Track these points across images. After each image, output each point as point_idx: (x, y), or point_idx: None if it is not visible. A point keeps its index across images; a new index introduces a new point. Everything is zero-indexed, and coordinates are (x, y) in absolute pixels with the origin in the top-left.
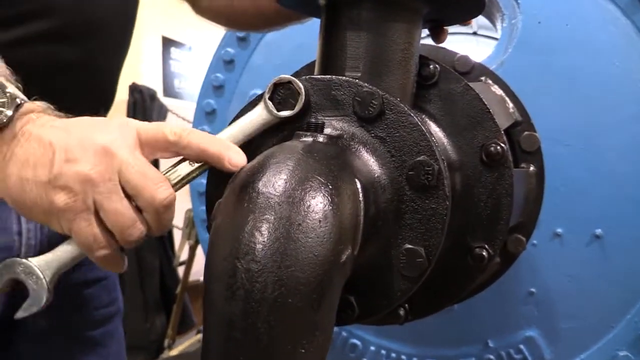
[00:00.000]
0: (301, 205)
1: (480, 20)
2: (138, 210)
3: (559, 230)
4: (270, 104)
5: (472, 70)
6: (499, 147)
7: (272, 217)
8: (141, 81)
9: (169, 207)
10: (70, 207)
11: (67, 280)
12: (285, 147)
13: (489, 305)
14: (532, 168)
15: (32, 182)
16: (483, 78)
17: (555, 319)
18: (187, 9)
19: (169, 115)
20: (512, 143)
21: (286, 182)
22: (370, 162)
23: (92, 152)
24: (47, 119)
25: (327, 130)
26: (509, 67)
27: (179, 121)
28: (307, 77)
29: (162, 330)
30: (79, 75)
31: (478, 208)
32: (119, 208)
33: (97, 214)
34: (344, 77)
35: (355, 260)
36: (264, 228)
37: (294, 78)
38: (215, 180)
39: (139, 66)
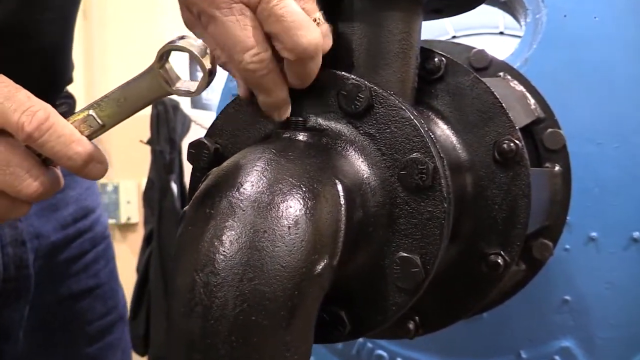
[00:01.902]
0: (268, 210)
1: (507, 19)
2: None
3: (594, 234)
4: (161, 72)
5: (490, 66)
6: (512, 144)
7: (235, 224)
8: None
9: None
10: None
11: (52, 297)
12: (258, 147)
13: (521, 314)
14: (557, 168)
15: None
16: (502, 74)
17: (592, 328)
18: None
19: (194, 126)
20: (535, 141)
21: (252, 185)
22: (357, 161)
23: None
24: None
25: (311, 128)
26: (533, 64)
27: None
28: None
29: None
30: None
31: (492, 211)
32: None
33: None
34: (329, 70)
35: (335, 270)
36: (225, 236)
37: (188, 41)
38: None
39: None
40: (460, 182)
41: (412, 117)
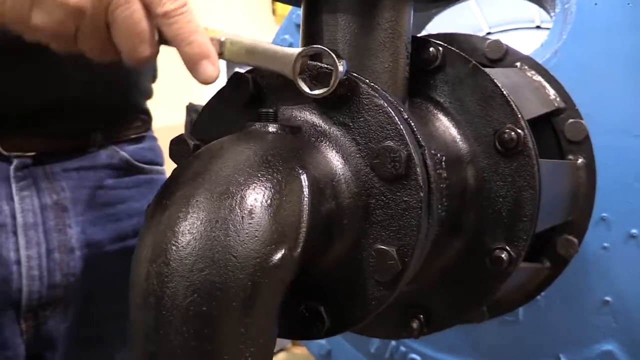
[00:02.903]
0: (221, 199)
1: (543, 12)
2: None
3: (634, 231)
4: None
5: (506, 56)
6: (513, 133)
7: (188, 214)
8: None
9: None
10: None
11: (104, 311)
12: (224, 139)
13: (559, 316)
14: (580, 160)
15: None
16: (518, 64)
17: (637, 330)
18: (251, 29)
19: None
20: (557, 133)
21: (209, 175)
22: (329, 152)
23: None
24: None
25: (287, 120)
26: (564, 55)
27: None
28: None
29: None
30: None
31: (497, 204)
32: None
33: None
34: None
35: (298, 263)
36: (178, 227)
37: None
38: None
39: (203, 87)
40: (461, 175)
41: (386, 105)
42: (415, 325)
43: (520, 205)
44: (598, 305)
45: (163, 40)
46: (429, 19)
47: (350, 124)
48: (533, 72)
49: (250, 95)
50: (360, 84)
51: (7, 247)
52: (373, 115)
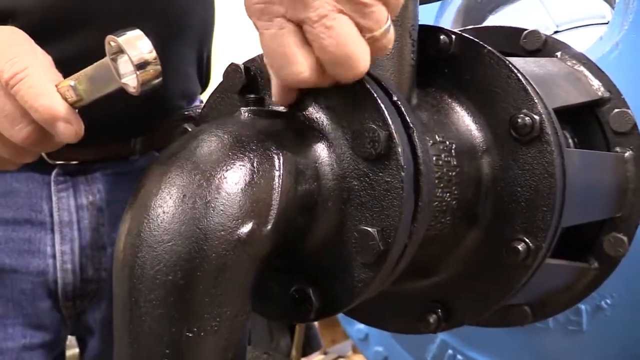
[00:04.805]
0: (191, 176)
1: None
2: None
3: None
4: (112, 63)
5: (545, 47)
6: (527, 119)
7: (160, 190)
8: None
9: None
10: None
11: None
12: (205, 124)
13: (628, 325)
14: (628, 153)
15: None
16: (558, 54)
17: None
18: None
19: None
20: (602, 125)
21: (183, 153)
22: (313, 136)
23: None
24: None
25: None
26: (625, 48)
27: None
28: (259, 54)
29: (288, 351)
30: None
31: (515, 194)
32: None
33: None
34: None
35: (271, 240)
36: (150, 201)
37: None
38: None
39: None
40: (475, 164)
41: (368, 86)
42: (432, 319)
43: (539, 195)
44: None
45: None
46: (483, 19)
47: (336, 107)
48: (574, 61)
49: (243, 83)
50: None
51: (45, 242)
52: (357, 98)
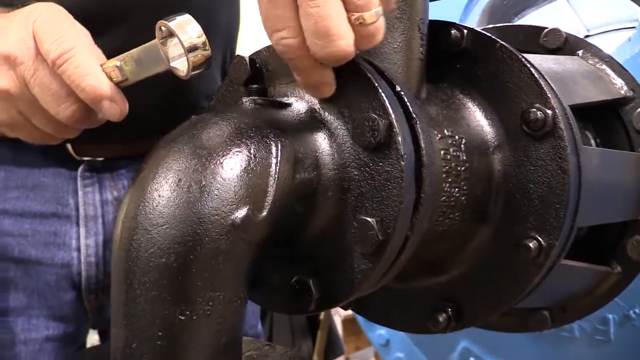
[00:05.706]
0: (187, 160)
1: None
2: None
3: None
4: (161, 46)
5: (566, 45)
6: (539, 113)
7: (157, 174)
8: None
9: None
10: None
11: None
12: (207, 113)
13: None
14: None
15: None
16: (580, 52)
17: None
18: None
19: None
20: (625, 124)
21: (181, 139)
22: (315, 125)
23: None
24: None
25: (280, 97)
26: None
27: None
28: (267, 46)
29: (310, 356)
30: None
31: (527, 190)
32: None
33: None
34: None
35: (266, 226)
36: (148, 185)
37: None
38: None
39: None
40: (486, 159)
41: (369, 76)
42: (442, 318)
43: (552, 192)
44: None
45: None
46: (508, 22)
47: (338, 98)
48: (596, 59)
49: (248, 75)
50: (358, 60)
51: (70, 235)
52: (357, 87)
